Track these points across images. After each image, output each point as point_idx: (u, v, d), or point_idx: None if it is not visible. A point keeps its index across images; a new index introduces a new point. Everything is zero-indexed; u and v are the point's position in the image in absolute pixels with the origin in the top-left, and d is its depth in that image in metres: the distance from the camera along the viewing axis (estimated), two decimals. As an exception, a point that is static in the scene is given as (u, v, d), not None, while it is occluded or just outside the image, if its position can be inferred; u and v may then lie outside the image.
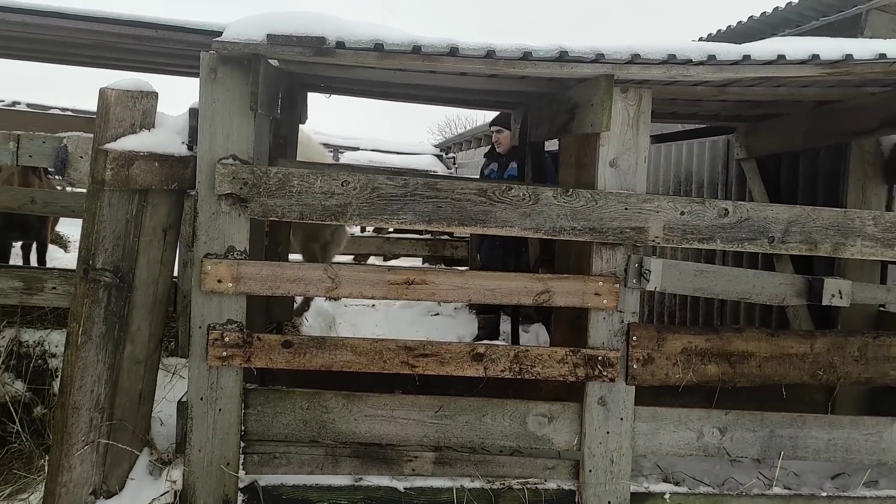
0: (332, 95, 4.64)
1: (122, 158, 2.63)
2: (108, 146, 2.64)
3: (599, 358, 2.97)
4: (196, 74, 2.83)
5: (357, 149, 21.72)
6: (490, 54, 2.74)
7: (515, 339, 4.36)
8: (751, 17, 5.86)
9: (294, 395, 2.95)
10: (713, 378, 3.07)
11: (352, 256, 8.45)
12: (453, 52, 2.73)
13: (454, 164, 18.16)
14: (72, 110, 19.26)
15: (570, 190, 2.92)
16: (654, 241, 2.97)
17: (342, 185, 2.85)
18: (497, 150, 5.67)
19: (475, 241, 6.53)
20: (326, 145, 21.97)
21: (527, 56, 2.75)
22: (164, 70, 4.74)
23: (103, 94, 2.70)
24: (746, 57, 2.70)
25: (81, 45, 3.95)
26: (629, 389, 3.00)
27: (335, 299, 7.02)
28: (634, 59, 2.73)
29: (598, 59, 2.74)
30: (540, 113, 4.02)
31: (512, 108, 4.80)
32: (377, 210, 2.86)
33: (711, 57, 2.71)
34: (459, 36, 2.81)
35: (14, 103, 18.81)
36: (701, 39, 6.33)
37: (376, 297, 2.97)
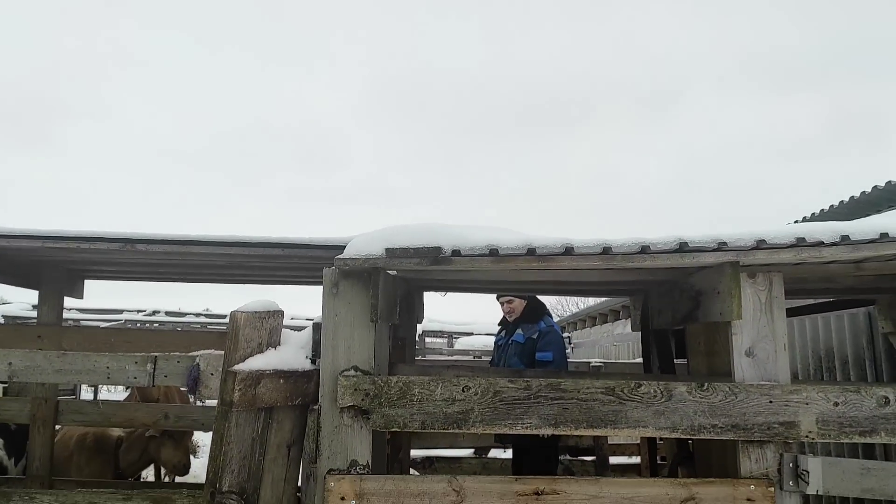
0: (448, 293, 4.71)
1: (249, 379, 2.68)
2: (237, 367, 2.71)
3: (763, 575, 2.60)
4: (317, 283, 2.95)
5: (471, 333, 21.91)
6: (606, 251, 2.71)
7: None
8: (875, 186, 5.67)
9: None
10: None
11: (472, 449, 8.18)
12: (568, 251, 2.72)
13: (570, 343, 17.89)
14: (205, 315, 20.57)
15: (706, 384, 2.73)
16: (807, 436, 2.68)
17: (463, 391, 2.78)
18: (508, 318, 5.71)
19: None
20: (440, 332, 22.30)
21: (644, 250, 2.70)
22: (287, 281, 5.00)
23: (233, 317, 2.82)
24: (884, 235, 2.53)
25: (216, 266, 4.24)
26: None
27: None
28: (760, 245, 2.62)
29: (721, 247, 2.65)
30: (661, 300, 3.90)
31: (629, 294, 4.70)
32: (500, 415, 2.76)
33: (845, 237, 2.57)
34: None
35: (154, 312, 20.33)
36: (805, 220, 6.17)
37: (505, 511, 2.78)
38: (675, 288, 3.53)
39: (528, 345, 5.49)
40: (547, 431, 2.77)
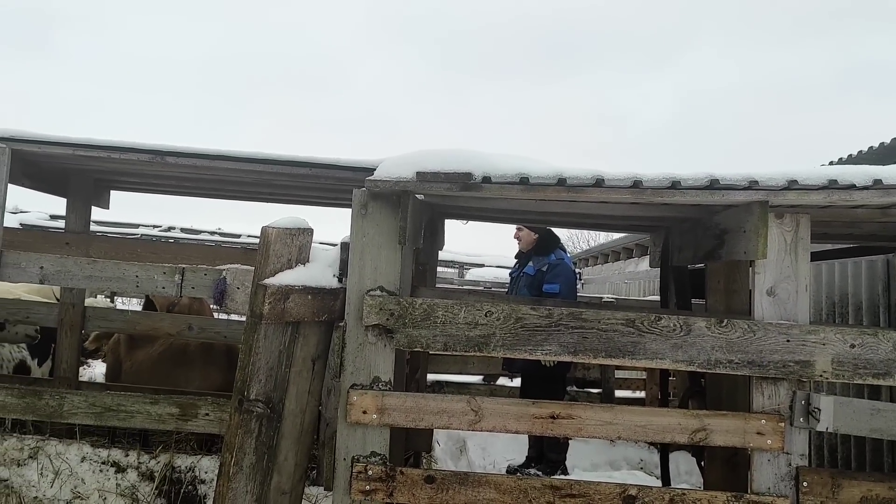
0: (469, 222, 4.74)
1: (279, 293, 2.75)
2: (267, 281, 2.77)
3: (766, 505, 2.70)
4: (341, 205, 2.98)
5: (482, 265, 22.04)
6: (637, 184, 2.72)
7: (666, 478, 4.07)
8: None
9: (436, 534, 2.84)
10: (902, 533, 2.71)
11: (482, 376, 8.36)
12: (599, 183, 2.73)
13: (580, 279, 17.99)
14: (219, 233, 20.76)
15: (725, 320, 2.77)
16: (821, 376, 2.74)
17: (486, 316, 2.84)
18: (519, 247, 5.91)
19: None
20: (452, 262, 22.42)
21: (675, 185, 2.70)
22: (312, 202, 5.03)
23: (264, 232, 2.87)
24: (919, 180, 2.52)
25: (242, 183, 4.27)
26: (803, 543, 2.70)
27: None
28: (791, 186, 2.62)
29: (752, 185, 2.65)
30: (683, 237, 3.91)
31: (650, 231, 4.71)
32: (521, 341, 2.82)
33: (877, 181, 2.56)
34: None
35: (169, 228, 20.53)
36: (831, 163, 6.10)
37: (520, 432, 2.88)
38: (699, 225, 3.55)
39: (538, 276, 5.57)
40: (566, 359, 2.83)
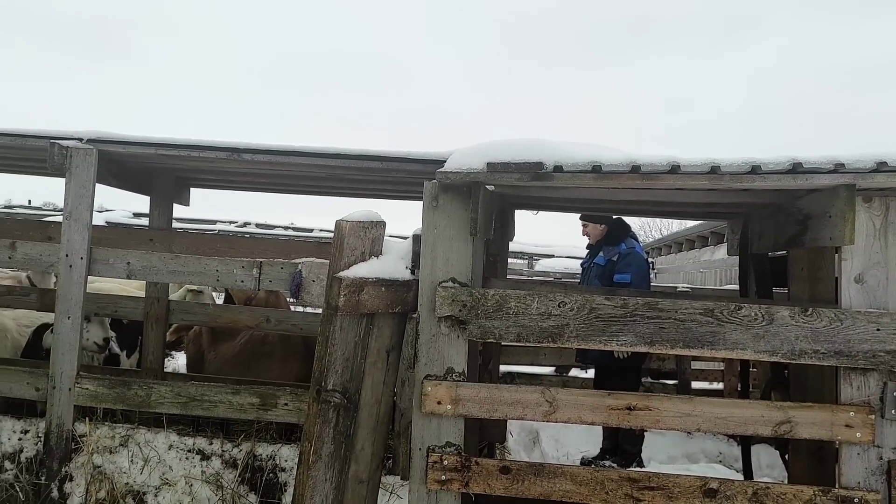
0: (539, 212, 4.71)
1: (353, 285, 2.79)
2: (342, 274, 2.82)
3: (855, 500, 2.60)
4: (411, 198, 2.99)
5: (551, 256, 21.86)
6: (714, 170, 2.64)
7: (748, 471, 3.96)
8: None
9: (512, 525, 2.85)
10: None
11: (553, 368, 8.31)
12: (674, 169, 2.67)
13: (653, 269, 17.63)
14: (292, 228, 21.24)
15: (810, 309, 2.67)
16: (916, 366, 2.61)
17: (559, 307, 2.81)
18: (589, 240, 5.87)
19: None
20: (521, 254, 22.31)
21: (755, 170, 2.61)
22: (382, 195, 5.09)
23: (339, 225, 2.92)
24: None
25: (315, 178, 4.35)
26: (897, 541, 2.58)
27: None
28: (880, 168, 2.50)
29: (838, 168, 2.54)
30: (763, 223, 3.79)
31: (728, 218, 4.58)
32: (595, 331, 2.78)
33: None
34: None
35: (245, 223, 21.10)
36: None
37: (596, 423, 2.85)
38: (780, 211, 3.42)
39: (608, 267, 5.49)
40: (642, 349, 2.79)
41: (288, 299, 6.08)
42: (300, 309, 7.95)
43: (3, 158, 4.76)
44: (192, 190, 5.60)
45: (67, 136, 3.94)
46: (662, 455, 6.55)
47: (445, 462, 2.82)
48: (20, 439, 3.93)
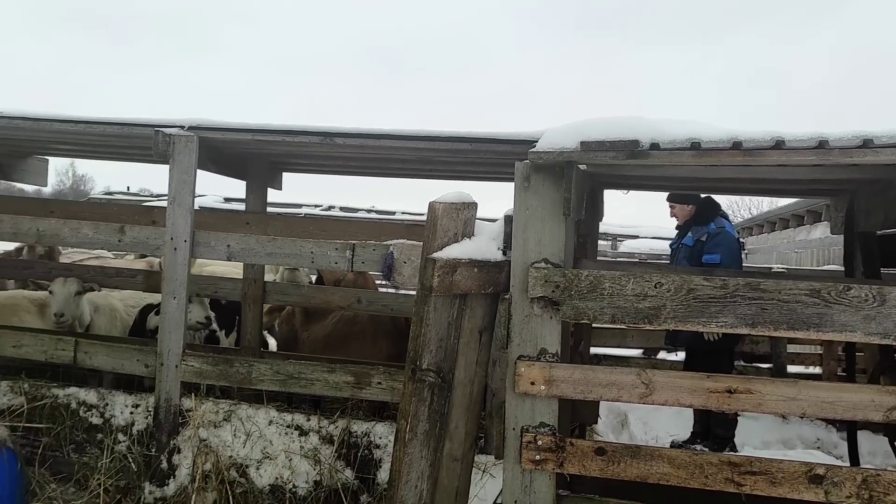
0: (630, 192, 4.63)
1: (447, 266, 2.82)
2: (436, 255, 2.85)
3: (976, 491, 2.46)
4: (500, 179, 2.98)
5: (636, 237, 21.40)
6: (822, 144, 2.53)
7: (854, 457, 3.80)
8: None
9: (607, 506, 2.84)
10: None
11: (641, 350, 8.19)
12: (778, 144, 2.57)
13: (743, 249, 17.03)
14: (375, 211, 21.56)
15: (928, 290, 2.53)
16: None
17: (655, 287, 2.76)
18: (677, 220, 5.77)
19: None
20: (605, 235, 21.95)
21: (866, 144, 2.49)
22: (470, 177, 5.10)
23: (432, 207, 2.94)
24: None
25: (404, 161, 4.40)
26: None
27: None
28: None
29: (962, 140, 2.39)
30: (871, 200, 3.60)
31: (831, 195, 4.38)
32: (693, 313, 2.72)
33: None
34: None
35: (329, 207, 21.55)
36: None
37: (694, 405, 2.80)
38: (891, 187, 3.25)
39: (697, 247, 5.34)
40: (743, 331, 2.71)
41: (377, 282, 6.20)
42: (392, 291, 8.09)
43: (110, 147, 5.01)
44: (284, 175, 5.76)
45: (169, 123, 4.12)
46: (756, 440, 6.38)
47: (540, 442, 2.82)
48: (132, 413, 4.16)
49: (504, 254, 3.05)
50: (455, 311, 2.97)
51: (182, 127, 4.07)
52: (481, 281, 2.97)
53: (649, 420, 7.17)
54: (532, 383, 2.84)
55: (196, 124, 4.09)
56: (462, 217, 2.99)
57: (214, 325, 5.87)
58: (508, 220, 3.03)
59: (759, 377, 2.74)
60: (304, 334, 5.75)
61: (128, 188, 23.99)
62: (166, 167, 4.09)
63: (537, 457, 2.82)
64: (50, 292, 5.14)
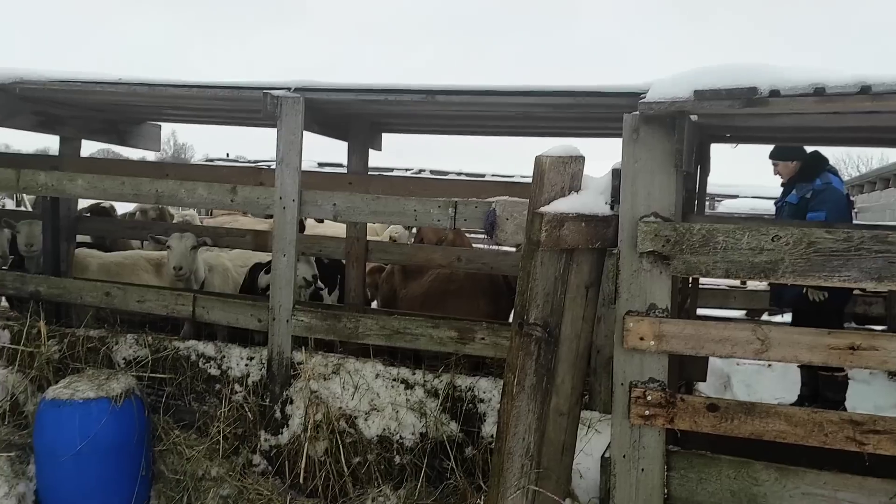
0: (738, 145, 4.46)
1: (554, 220, 2.80)
2: (543, 209, 2.83)
3: None
4: (603, 135, 2.93)
5: (736, 196, 20.61)
6: (965, 86, 2.36)
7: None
8: None
9: (720, 463, 2.80)
10: None
11: (744, 311, 7.95)
12: (914, 88, 2.41)
13: (853, 207, 16.14)
14: (466, 174, 21.61)
15: None
16: None
17: (773, 241, 2.66)
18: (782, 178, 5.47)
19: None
20: (703, 194, 21.13)
21: None
22: (572, 133, 5.02)
23: (538, 161, 2.92)
24: None
25: (505, 118, 4.38)
26: None
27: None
28: None
29: None
30: None
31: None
32: (814, 267, 2.61)
33: None
34: None
35: (420, 171, 21.73)
36: None
37: (813, 362, 2.71)
38: None
39: (801, 205, 5.10)
40: (868, 286, 2.60)
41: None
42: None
43: (221, 111, 5.20)
44: (383, 136, 5.84)
45: (276, 86, 4.23)
46: (868, 405, 6.12)
47: (649, 398, 2.80)
48: (246, 365, 4.37)
49: (612, 208, 3.01)
50: (562, 266, 2.96)
51: (288, 89, 4.17)
52: (588, 235, 2.94)
53: (752, 383, 6.98)
54: (641, 338, 2.81)
55: (302, 86, 4.18)
56: (569, 171, 2.96)
57: (319, 283, 6.07)
58: (616, 173, 2.98)
59: (886, 333, 2.61)
60: (402, 292, 5.87)
61: (227, 154, 24.90)
62: (262, 133, 4.21)
63: (646, 412, 2.80)
64: (168, 247, 5.41)
